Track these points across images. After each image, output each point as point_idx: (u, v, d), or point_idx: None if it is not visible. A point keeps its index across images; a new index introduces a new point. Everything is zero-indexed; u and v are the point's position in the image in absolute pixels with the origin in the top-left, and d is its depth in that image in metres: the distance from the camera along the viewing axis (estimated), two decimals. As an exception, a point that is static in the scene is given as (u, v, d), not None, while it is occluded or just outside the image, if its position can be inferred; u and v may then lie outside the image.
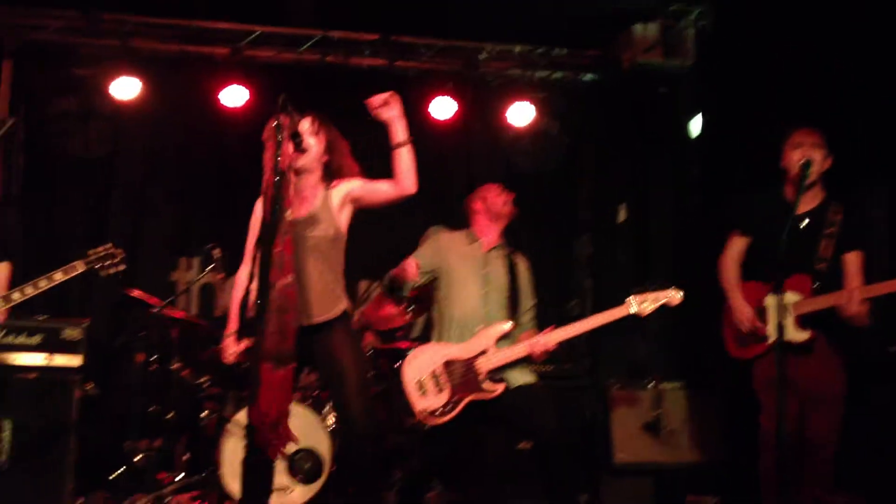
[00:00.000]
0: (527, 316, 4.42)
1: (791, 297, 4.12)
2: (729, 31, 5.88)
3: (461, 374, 4.20)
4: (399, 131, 3.73)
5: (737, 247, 4.47)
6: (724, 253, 4.50)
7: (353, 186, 3.85)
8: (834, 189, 4.31)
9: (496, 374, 4.19)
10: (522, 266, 4.50)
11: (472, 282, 4.36)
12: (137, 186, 6.61)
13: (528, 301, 4.44)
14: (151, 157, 6.66)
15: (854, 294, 4.00)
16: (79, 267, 4.27)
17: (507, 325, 4.26)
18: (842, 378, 4.20)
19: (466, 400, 4.18)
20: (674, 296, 4.13)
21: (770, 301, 4.23)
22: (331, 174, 3.87)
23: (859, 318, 4.02)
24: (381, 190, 3.84)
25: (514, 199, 4.54)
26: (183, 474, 5.18)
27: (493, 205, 4.49)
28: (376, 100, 3.71)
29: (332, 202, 3.82)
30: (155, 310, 5.12)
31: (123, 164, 6.61)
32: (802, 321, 4.12)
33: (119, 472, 5.13)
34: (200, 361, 5.35)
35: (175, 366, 5.21)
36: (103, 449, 5.33)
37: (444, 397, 4.20)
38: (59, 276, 4.25)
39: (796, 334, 4.10)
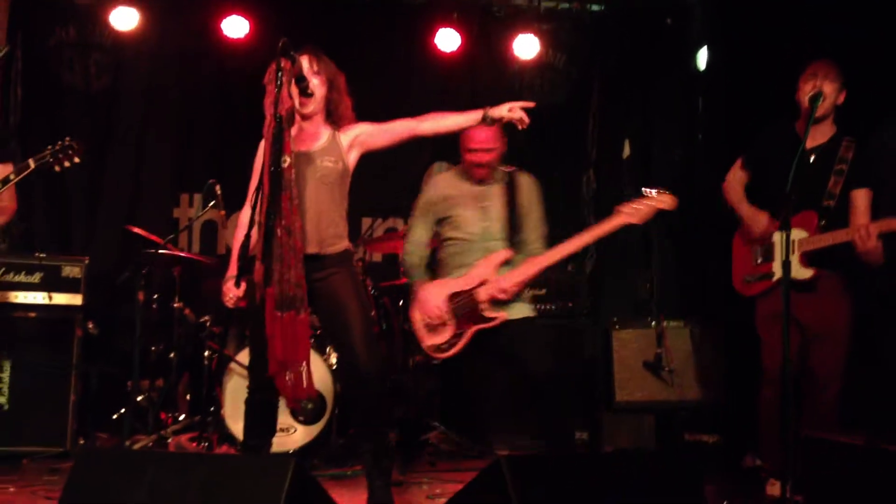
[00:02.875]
0: (532, 235, 4.30)
1: (797, 233, 4.07)
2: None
3: (463, 306, 4.17)
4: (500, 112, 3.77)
5: (739, 175, 4.45)
6: (727, 177, 4.48)
7: (361, 130, 3.85)
8: (847, 124, 4.22)
9: (497, 303, 4.15)
10: (525, 186, 4.36)
11: (471, 217, 4.29)
12: (138, 119, 6.54)
13: (531, 221, 4.32)
14: (152, 89, 6.57)
15: (860, 231, 3.93)
16: (31, 164, 4.19)
17: (503, 253, 4.21)
18: (848, 316, 4.17)
19: (471, 331, 4.16)
20: (668, 200, 4.02)
21: (776, 237, 4.19)
22: (331, 113, 3.84)
23: (875, 255, 3.95)
24: (396, 129, 3.85)
25: (499, 135, 4.33)
26: (184, 415, 5.24)
27: (471, 151, 4.33)
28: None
29: (340, 141, 3.82)
30: (157, 249, 5.09)
31: (124, 97, 6.53)
32: (807, 258, 4.09)
33: (121, 412, 5.18)
34: (202, 300, 5.35)
35: (177, 304, 5.21)
36: (105, 389, 5.37)
37: (449, 331, 4.19)
38: (13, 178, 4.21)
39: (799, 272, 4.07)
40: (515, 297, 4.19)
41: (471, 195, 4.33)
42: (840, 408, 4.14)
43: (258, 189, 3.56)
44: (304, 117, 3.77)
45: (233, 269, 3.80)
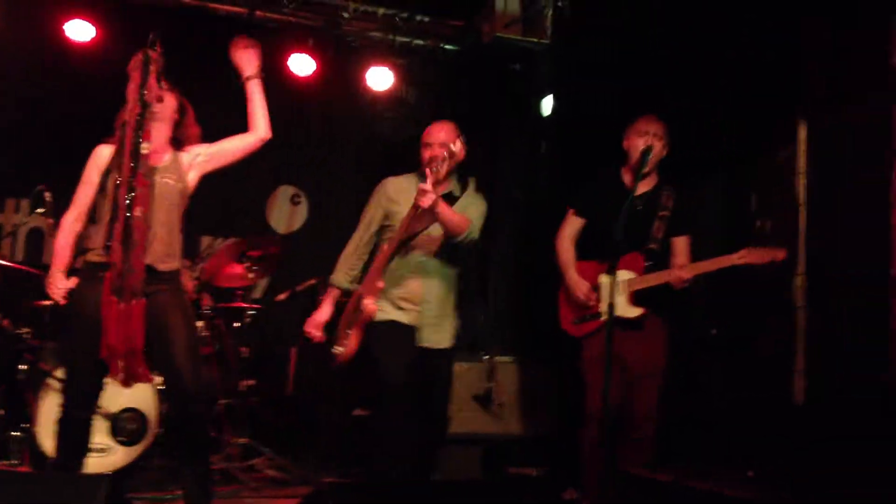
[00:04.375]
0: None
1: (625, 274, 4.28)
2: (584, 14, 5.98)
3: (354, 307, 4.12)
4: (249, 66, 3.89)
5: (573, 226, 4.61)
6: (560, 230, 4.63)
7: (201, 150, 3.87)
8: (667, 175, 4.49)
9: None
10: (462, 203, 4.23)
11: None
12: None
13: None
14: (-16, 88, 6.25)
15: (682, 272, 4.19)
16: None
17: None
18: (665, 355, 4.40)
19: (352, 333, 4.07)
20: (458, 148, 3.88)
21: (604, 279, 4.39)
22: (176, 133, 3.86)
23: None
24: (232, 145, 3.90)
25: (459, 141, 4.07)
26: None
27: (427, 146, 4.24)
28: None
29: (181, 161, 3.81)
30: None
31: (-47, 95, 6.18)
32: (635, 298, 4.29)
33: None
34: (22, 311, 5.08)
35: (-6, 314, 4.94)
36: None
37: (342, 329, 4.16)
38: None
39: (628, 310, 4.26)
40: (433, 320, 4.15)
41: (409, 198, 4.10)
42: (656, 444, 4.35)
43: (107, 172, 3.62)
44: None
45: (59, 263, 3.67)
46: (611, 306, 3.76)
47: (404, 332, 4.15)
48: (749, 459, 3.73)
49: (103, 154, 3.73)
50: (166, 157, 3.78)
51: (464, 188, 4.34)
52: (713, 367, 4.79)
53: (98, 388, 3.69)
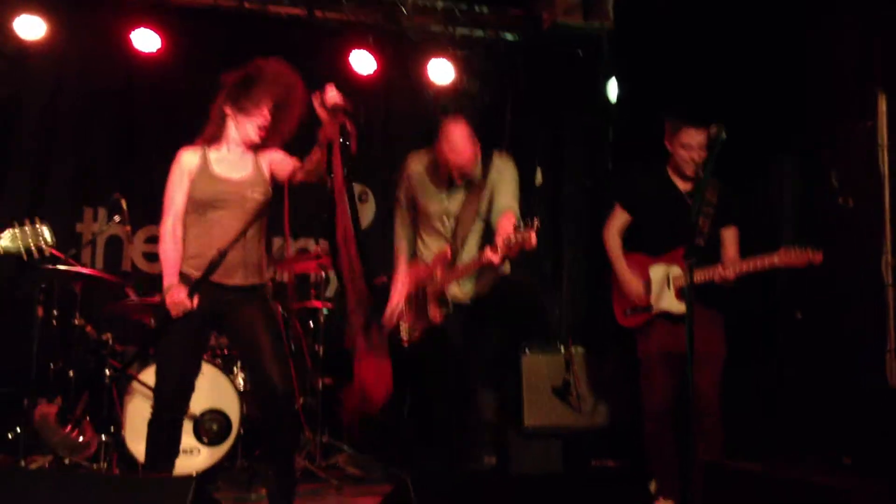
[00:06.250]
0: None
1: (674, 270, 4.28)
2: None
3: (418, 300, 4.16)
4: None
5: (620, 220, 4.60)
6: (607, 223, 4.62)
7: (273, 157, 3.83)
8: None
9: (442, 301, 4.15)
10: (494, 174, 4.25)
11: (435, 210, 4.28)
12: (42, 131, 6.31)
13: (494, 207, 4.20)
14: (57, 100, 6.35)
15: (727, 272, 4.18)
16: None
17: (447, 251, 4.18)
18: (723, 344, 4.35)
19: (419, 328, 4.15)
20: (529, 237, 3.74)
21: (654, 273, 4.36)
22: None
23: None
24: (293, 169, 3.81)
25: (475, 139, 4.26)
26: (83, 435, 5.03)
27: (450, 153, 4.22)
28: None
29: (262, 168, 3.81)
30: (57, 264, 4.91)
31: (26, 107, 6.30)
32: (681, 293, 4.26)
33: (16, 431, 4.96)
34: (104, 317, 5.19)
35: (77, 321, 5.03)
36: (1, 407, 5.16)
37: (408, 322, 4.19)
38: None
39: (676, 305, 4.25)
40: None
41: (420, 180, 4.28)
42: (722, 431, 4.27)
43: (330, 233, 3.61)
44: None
45: (173, 274, 3.66)
46: (690, 299, 3.62)
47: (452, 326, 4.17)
48: (843, 446, 3.62)
49: (188, 158, 3.75)
50: (249, 166, 3.81)
51: (486, 166, 4.28)
52: (800, 351, 4.67)
53: (190, 389, 3.73)
